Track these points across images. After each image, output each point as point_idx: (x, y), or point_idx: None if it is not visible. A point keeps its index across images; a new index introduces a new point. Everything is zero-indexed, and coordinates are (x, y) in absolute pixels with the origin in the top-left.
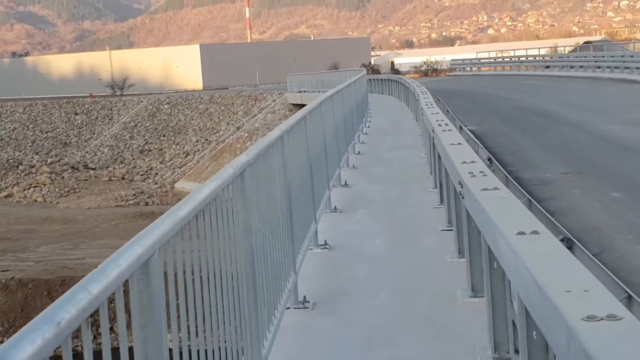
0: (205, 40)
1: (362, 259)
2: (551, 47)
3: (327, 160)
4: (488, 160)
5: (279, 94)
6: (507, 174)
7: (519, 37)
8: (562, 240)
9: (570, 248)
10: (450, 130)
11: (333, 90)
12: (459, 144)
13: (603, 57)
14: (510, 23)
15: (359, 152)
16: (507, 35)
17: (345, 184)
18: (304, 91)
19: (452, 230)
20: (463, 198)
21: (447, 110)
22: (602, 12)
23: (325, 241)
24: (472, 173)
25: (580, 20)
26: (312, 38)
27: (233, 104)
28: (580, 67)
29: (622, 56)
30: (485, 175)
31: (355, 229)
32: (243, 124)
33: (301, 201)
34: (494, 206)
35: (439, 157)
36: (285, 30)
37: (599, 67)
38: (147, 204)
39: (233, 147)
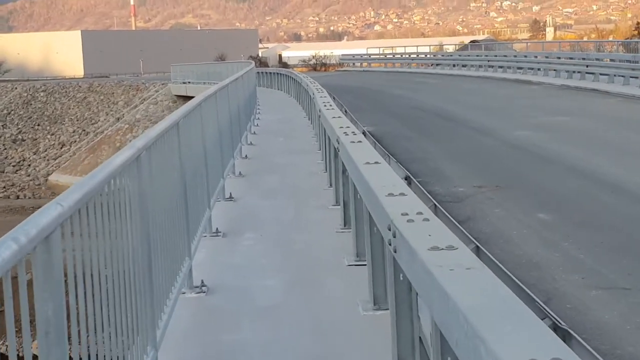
0: (87, 26)
1: (249, 311)
2: (437, 45)
3: (207, 169)
4: (406, 179)
5: (163, 84)
6: (431, 197)
7: (405, 35)
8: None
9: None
10: (360, 142)
11: (217, 86)
12: (376, 162)
13: (496, 56)
14: (396, 20)
15: (246, 156)
16: (393, 32)
17: (230, 197)
18: (189, 82)
19: (363, 264)
20: (395, 251)
21: (345, 111)
22: (485, 12)
23: (202, 282)
24: (407, 214)
25: (464, 19)
26: (198, 28)
27: (113, 93)
28: (473, 66)
29: (515, 56)
30: (428, 220)
31: (242, 262)
32: (123, 114)
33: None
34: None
35: (343, 171)
36: (171, 19)
37: (491, 67)
38: (18, 197)
39: (112, 139)
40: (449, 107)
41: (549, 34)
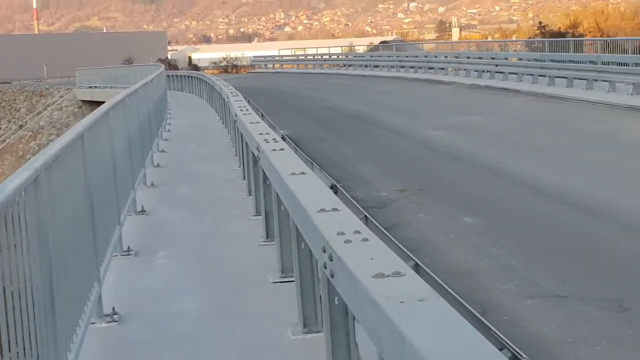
0: None
1: (166, 340)
2: (348, 46)
3: (116, 182)
4: (332, 188)
5: (67, 89)
6: (362, 209)
7: (315, 36)
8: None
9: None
10: (282, 149)
11: (125, 93)
12: (302, 173)
13: (407, 57)
14: (306, 21)
15: (158, 164)
16: (303, 33)
17: (142, 210)
18: (95, 87)
19: (290, 281)
20: (332, 276)
21: (262, 115)
22: (393, 13)
23: (114, 309)
24: (343, 234)
25: (373, 20)
26: (104, 31)
27: (15, 99)
28: (385, 67)
29: (426, 56)
30: (367, 240)
31: (156, 284)
32: (26, 122)
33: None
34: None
35: (264, 180)
36: (75, 22)
37: (402, 67)
38: None
39: (15, 148)
40: (364, 108)
41: (455, 34)
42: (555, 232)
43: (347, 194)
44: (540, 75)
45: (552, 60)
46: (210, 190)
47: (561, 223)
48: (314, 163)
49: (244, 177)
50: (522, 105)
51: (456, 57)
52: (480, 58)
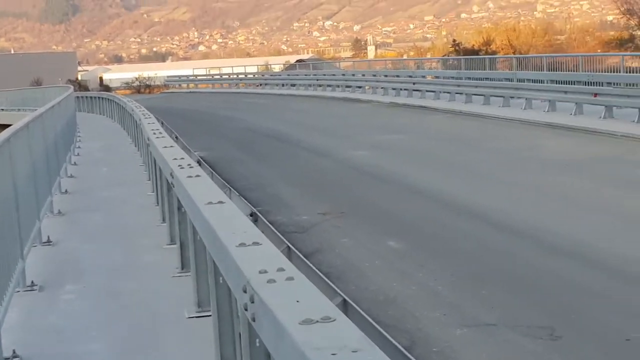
0: None
1: None
2: (264, 65)
3: (19, 213)
4: (251, 215)
5: None
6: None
7: (230, 54)
8: None
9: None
10: (198, 176)
11: (29, 117)
12: (220, 202)
13: (324, 75)
14: (221, 40)
15: (66, 191)
16: (218, 52)
17: (48, 241)
18: (2, 110)
19: (207, 315)
20: (254, 320)
21: (176, 137)
22: (308, 31)
23: (14, 352)
24: (266, 272)
25: (289, 39)
26: (12, 52)
27: None
28: (302, 85)
29: (343, 75)
30: (293, 279)
31: (62, 323)
32: None
33: None
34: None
35: (179, 207)
36: None
37: (320, 86)
38: None
39: None
40: (282, 128)
41: (371, 52)
42: (480, 255)
43: (266, 221)
44: (457, 93)
45: (469, 78)
46: (121, 217)
47: (486, 245)
48: (231, 189)
49: (158, 203)
50: (440, 123)
51: (374, 75)
52: (397, 76)
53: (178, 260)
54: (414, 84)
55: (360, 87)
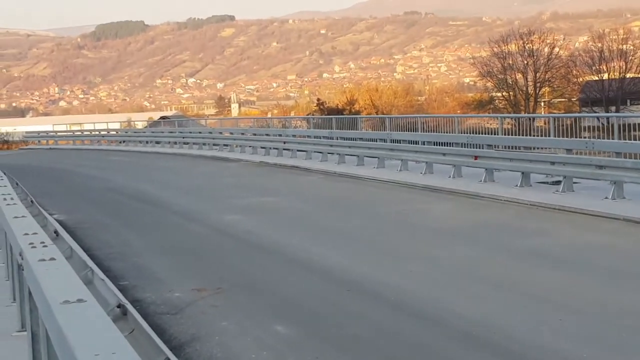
0: None
1: None
2: (126, 122)
3: None
4: (118, 307)
5: None
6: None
7: (91, 110)
8: None
9: None
10: (53, 259)
11: None
12: (79, 300)
13: (191, 132)
14: (82, 96)
15: None
16: (79, 107)
17: None
18: None
19: None
20: None
21: (32, 201)
22: (172, 88)
23: None
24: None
25: (151, 95)
26: None
27: None
28: (168, 143)
29: (210, 132)
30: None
31: None
32: None
33: None
34: None
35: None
36: None
37: (186, 144)
38: None
39: None
40: (148, 188)
41: (234, 109)
42: (384, 344)
43: (138, 316)
44: (329, 153)
45: (342, 138)
46: None
47: (389, 331)
48: (94, 271)
49: (8, 277)
50: (315, 184)
51: (242, 133)
52: (267, 135)
53: (18, 317)
54: (284, 142)
55: (227, 145)
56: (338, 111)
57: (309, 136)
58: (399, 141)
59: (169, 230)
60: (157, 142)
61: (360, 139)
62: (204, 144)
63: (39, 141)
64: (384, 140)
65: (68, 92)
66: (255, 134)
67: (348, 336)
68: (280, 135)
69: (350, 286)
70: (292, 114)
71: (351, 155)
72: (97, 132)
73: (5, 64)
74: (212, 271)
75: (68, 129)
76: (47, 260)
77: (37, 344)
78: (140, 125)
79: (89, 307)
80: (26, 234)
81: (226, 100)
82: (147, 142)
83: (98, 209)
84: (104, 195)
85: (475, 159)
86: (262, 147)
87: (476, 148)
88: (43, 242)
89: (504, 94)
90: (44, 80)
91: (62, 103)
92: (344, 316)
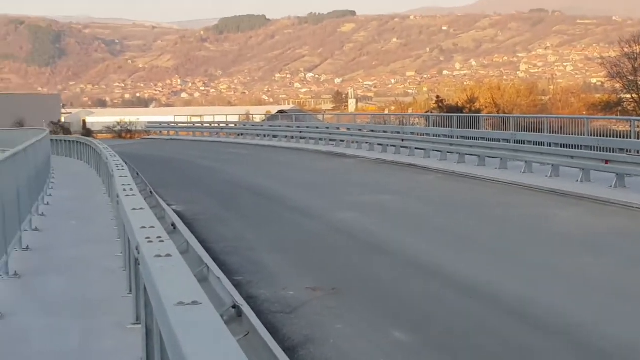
0: None
1: None
2: (245, 115)
3: None
4: (233, 307)
5: None
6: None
7: (211, 102)
8: None
9: None
10: (169, 255)
11: None
12: (194, 302)
13: (308, 127)
14: (203, 88)
15: (27, 247)
16: (200, 99)
17: None
18: None
19: None
20: None
21: (151, 192)
22: (290, 82)
23: None
24: None
25: (270, 89)
26: None
27: None
28: (285, 137)
29: (327, 128)
30: None
31: None
32: None
33: None
34: None
35: (145, 289)
36: None
37: (302, 138)
38: None
39: None
40: (266, 182)
41: (352, 105)
42: (511, 356)
43: (253, 318)
44: (449, 152)
45: (463, 137)
46: (84, 284)
47: (513, 342)
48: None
49: (125, 267)
50: (433, 184)
51: (359, 129)
52: (385, 132)
53: (142, 349)
54: (402, 140)
55: (343, 141)
56: (457, 109)
57: (427, 134)
58: (522, 142)
59: (284, 226)
60: (274, 136)
61: (482, 138)
62: (321, 139)
63: (160, 132)
64: (507, 141)
65: (190, 84)
66: (372, 131)
67: (473, 346)
68: (398, 132)
69: (468, 291)
70: (410, 111)
71: (471, 154)
72: (216, 125)
73: (131, 55)
74: (326, 270)
75: (188, 120)
76: (163, 257)
77: (151, 340)
78: (258, 118)
79: (203, 309)
80: (143, 227)
81: (343, 95)
82: (264, 135)
83: (215, 201)
84: (221, 187)
85: (607, 163)
86: (379, 144)
87: (605, 152)
88: (160, 237)
89: (633, 95)
90: (167, 72)
91: (183, 95)
92: (468, 326)
